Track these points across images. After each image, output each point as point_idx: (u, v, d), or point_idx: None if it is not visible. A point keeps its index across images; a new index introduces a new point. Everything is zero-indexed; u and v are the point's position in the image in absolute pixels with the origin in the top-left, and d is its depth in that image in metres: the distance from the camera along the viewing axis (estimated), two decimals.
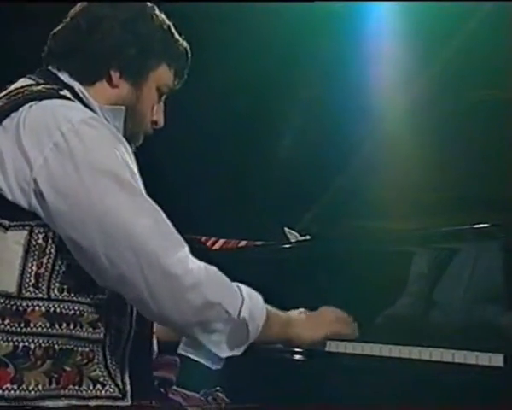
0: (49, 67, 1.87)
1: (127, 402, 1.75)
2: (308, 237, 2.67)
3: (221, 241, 3.27)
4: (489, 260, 2.11)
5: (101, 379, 1.73)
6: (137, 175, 1.73)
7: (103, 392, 1.72)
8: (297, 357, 2.18)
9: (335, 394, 2.17)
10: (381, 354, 2.05)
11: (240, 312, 1.77)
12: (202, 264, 1.74)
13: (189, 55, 1.98)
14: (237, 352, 1.82)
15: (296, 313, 2.02)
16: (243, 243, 3.20)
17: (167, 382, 2.00)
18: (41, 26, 1.89)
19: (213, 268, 1.77)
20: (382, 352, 2.05)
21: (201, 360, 1.84)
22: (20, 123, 1.67)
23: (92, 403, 1.70)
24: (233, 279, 1.84)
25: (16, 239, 1.67)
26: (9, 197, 1.65)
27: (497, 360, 1.86)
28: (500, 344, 1.91)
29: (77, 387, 1.70)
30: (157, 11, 1.91)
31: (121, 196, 1.66)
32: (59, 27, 1.89)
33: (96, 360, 1.73)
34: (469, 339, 1.97)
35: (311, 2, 3.75)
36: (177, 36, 1.95)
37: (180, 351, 1.86)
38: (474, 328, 2.03)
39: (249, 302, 1.80)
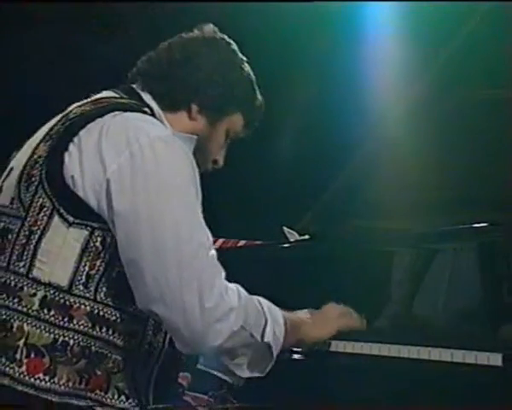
0: (133, 86, 1.95)
1: None
2: (307, 237, 2.67)
3: (220, 240, 3.27)
4: (489, 259, 2.11)
5: (127, 391, 1.76)
6: (200, 200, 1.78)
7: (126, 404, 1.76)
8: (297, 357, 2.18)
9: (336, 393, 2.17)
10: (380, 354, 2.06)
11: (263, 335, 1.82)
12: (235, 287, 1.78)
13: (263, 112, 2.07)
14: (261, 373, 1.88)
15: (302, 313, 2.05)
16: (242, 242, 3.21)
17: (180, 387, 2.05)
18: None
19: (243, 291, 1.81)
20: (381, 351, 2.06)
21: (223, 376, 1.90)
22: (103, 128, 1.75)
23: None
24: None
25: (76, 237, 1.73)
26: (81, 194, 1.72)
27: (495, 359, 1.86)
28: (499, 344, 1.91)
29: (103, 393, 1.73)
30: (246, 63, 2.01)
31: (180, 215, 1.71)
32: (152, 52, 1.98)
33: (125, 371, 1.77)
34: (468, 338, 1.98)
35: (311, 3, 3.76)
36: (257, 91, 2.03)
37: (200, 366, 1.90)
38: (472, 327, 2.03)
39: (272, 322, 1.84)
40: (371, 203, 2.66)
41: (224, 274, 1.76)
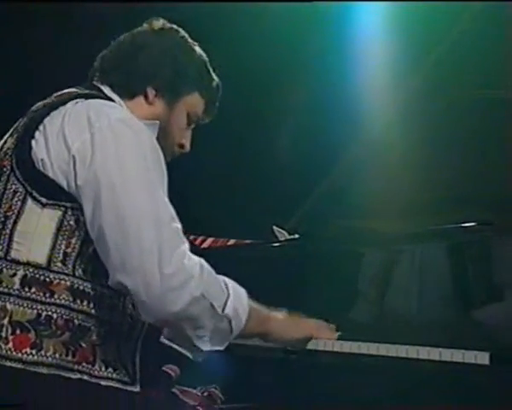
0: (93, 82, 2.04)
1: (136, 389, 1.83)
2: (297, 236, 2.68)
3: (210, 239, 3.28)
4: (478, 258, 2.12)
5: (113, 364, 1.81)
6: (164, 177, 1.84)
7: (114, 375, 1.81)
8: (286, 356, 2.19)
9: (325, 392, 2.17)
10: (368, 353, 2.06)
11: (224, 308, 1.85)
12: (198, 259, 1.82)
13: (220, 93, 2.13)
14: (220, 347, 1.91)
15: (277, 313, 2.07)
16: (232, 241, 3.22)
17: (169, 378, 2.07)
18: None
19: (206, 265, 1.84)
20: (370, 350, 2.06)
21: (183, 350, 1.93)
22: (65, 114, 1.84)
23: (103, 383, 1.79)
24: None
25: (50, 216, 1.79)
26: (51, 176, 1.79)
27: (483, 358, 1.87)
28: (486, 342, 1.92)
29: (90, 366, 1.78)
30: (197, 46, 2.08)
31: (139, 188, 1.78)
32: (105, 51, 2.08)
33: (109, 345, 1.81)
34: (456, 337, 1.98)
35: (303, 4, 3.76)
36: (211, 71, 2.10)
37: (163, 340, 1.92)
38: (460, 326, 2.04)
39: (234, 299, 1.87)
40: (361, 204, 2.66)
41: (187, 246, 1.80)
